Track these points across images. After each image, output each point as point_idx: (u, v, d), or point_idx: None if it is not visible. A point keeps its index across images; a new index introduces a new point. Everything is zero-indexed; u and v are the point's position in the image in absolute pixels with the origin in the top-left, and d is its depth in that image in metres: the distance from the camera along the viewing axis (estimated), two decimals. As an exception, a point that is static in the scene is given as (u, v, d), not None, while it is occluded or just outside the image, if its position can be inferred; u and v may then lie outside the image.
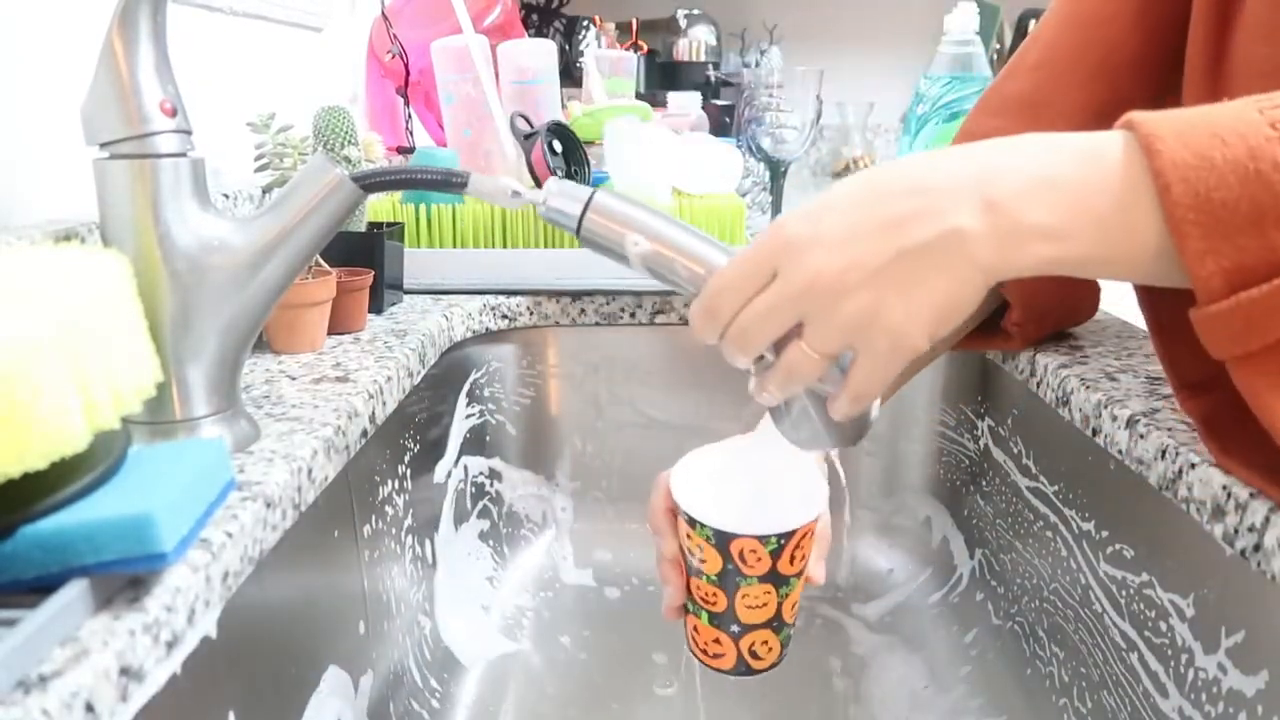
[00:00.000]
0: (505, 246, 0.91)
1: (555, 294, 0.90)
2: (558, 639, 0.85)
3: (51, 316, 0.34)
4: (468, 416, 0.88)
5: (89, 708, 0.32)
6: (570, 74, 1.74)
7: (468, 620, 0.83)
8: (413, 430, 0.76)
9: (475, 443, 0.90)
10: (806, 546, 0.53)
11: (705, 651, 0.55)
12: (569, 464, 0.97)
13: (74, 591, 0.34)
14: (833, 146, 2.11)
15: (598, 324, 0.91)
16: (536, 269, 0.89)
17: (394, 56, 1.22)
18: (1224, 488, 0.48)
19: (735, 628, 0.53)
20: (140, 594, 0.36)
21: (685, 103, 1.39)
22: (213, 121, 0.81)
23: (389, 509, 0.70)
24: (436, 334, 0.79)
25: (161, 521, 0.35)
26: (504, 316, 0.90)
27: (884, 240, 0.39)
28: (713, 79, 2.10)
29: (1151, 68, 0.63)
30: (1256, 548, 0.45)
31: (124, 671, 0.34)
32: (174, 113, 0.47)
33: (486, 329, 0.89)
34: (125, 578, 0.37)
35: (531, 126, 0.93)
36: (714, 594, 0.53)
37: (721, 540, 0.51)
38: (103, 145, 0.46)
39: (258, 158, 0.71)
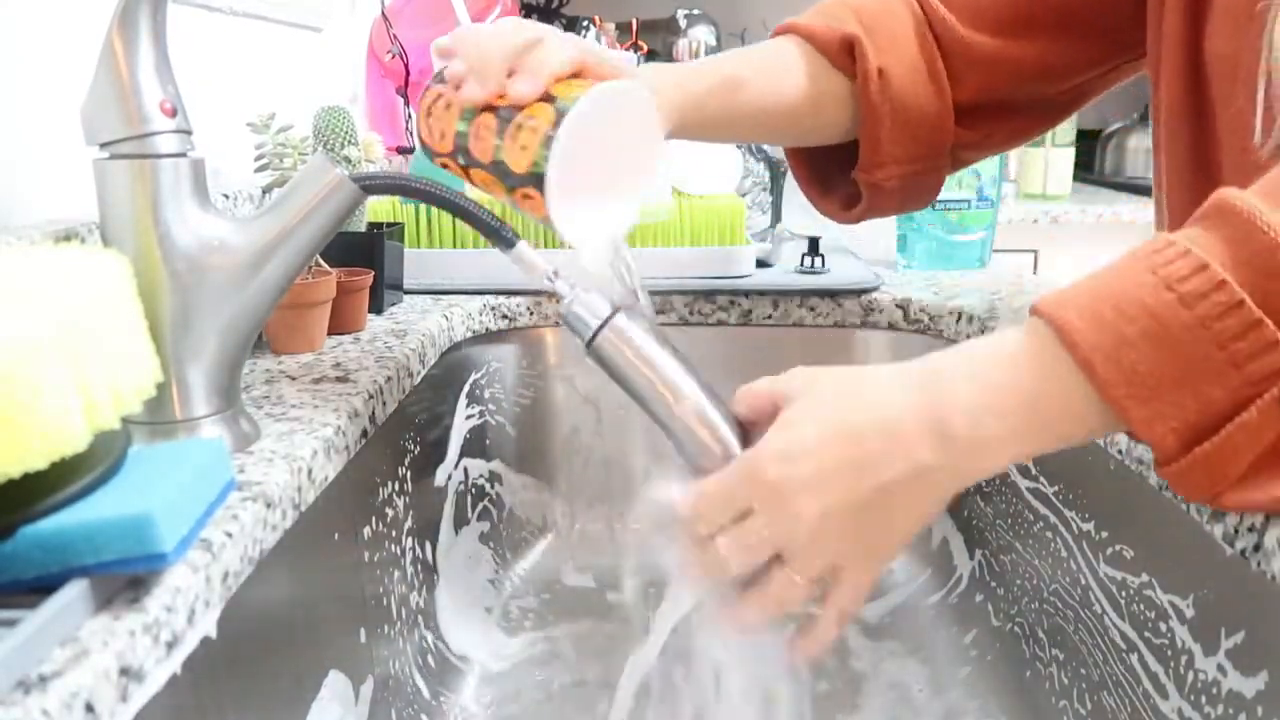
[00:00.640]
0: (505, 247, 0.91)
1: (555, 294, 0.90)
2: (559, 642, 0.85)
3: (51, 316, 0.34)
4: (468, 417, 0.88)
5: (89, 708, 0.32)
6: (570, 74, 1.74)
7: (469, 622, 0.83)
8: (413, 432, 0.76)
9: (475, 444, 0.90)
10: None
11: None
12: (570, 465, 0.97)
13: (74, 591, 0.34)
14: (832, 147, 2.11)
15: (598, 324, 0.91)
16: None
17: (394, 56, 1.22)
18: (1224, 488, 0.48)
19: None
20: (140, 594, 0.36)
21: (685, 103, 1.38)
22: (213, 121, 0.81)
23: (389, 511, 0.70)
24: (436, 334, 0.79)
25: (161, 521, 0.35)
26: (504, 316, 0.90)
27: (858, 480, 0.42)
28: (713, 79, 2.09)
29: (1081, 27, 0.65)
30: (1256, 548, 0.45)
31: (124, 672, 0.34)
32: (174, 113, 0.47)
33: (486, 329, 0.89)
34: (125, 578, 0.37)
35: (531, 127, 0.92)
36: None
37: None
38: (103, 145, 0.46)
39: (258, 158, 0.71)
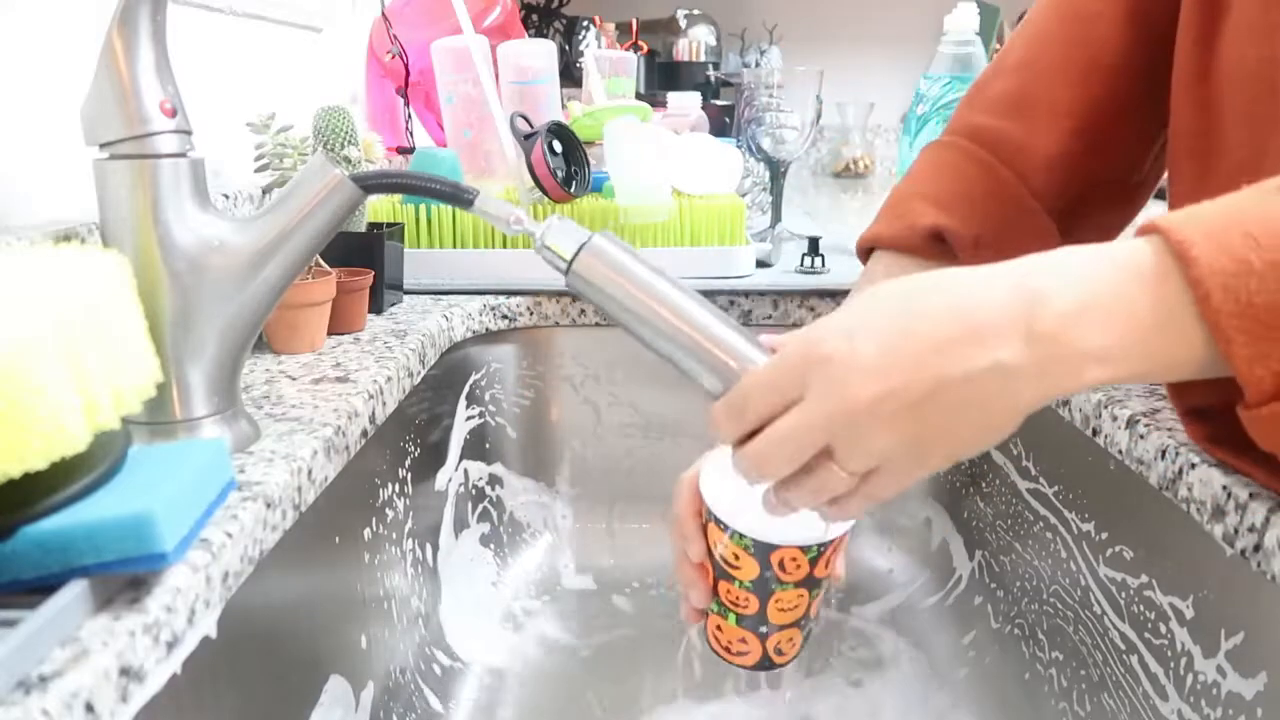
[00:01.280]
0: (505, 247, 0.91)
1: (555, 294, 0.90)
2: (560, 644, 0.85)
3: (51, 316, 0.34)
4: (468, 419, 0.88)
5: (89, 708, 0.32)
6: (570, 74, 1.74)
7: (469, 624, 0.83)
8: (413, 433, 0.76)
9: (476, 445, 0.90)
10: (841, 549, 0.52)
11: (728, 649, 0.54)
12: (570, 467, 0.97)
13: (74, 591, 0.34)
14: (833, 147, 2.11)
15: (598, 324, 0.91)
16: (536, 269, 0.88)
17: (394, 56, 1.22)
18: (1224, 488, 0.48)
19: (764, 628, 0.52)
20: (140, 594, 0.36)
21: (685, 103, 1.38)
22: (213, 121, 0.81)
23: (389, 512, 0.70)
24: (436, 334, 0.79)
25: (161, 521, 0.35)
26: (504, 317, 0.90)
27: (922, 368, 0.37)
28: (713, 79, 2.10)
29: (1139, 67, 0.62)
30: (1257, 548, 0.45)
31: (124, 672, 0.34)
32: (174, 113, 0.47)
33: (486, 329, 0.89)
34: (125, 578, 0.37)
35: (531, 127, 0.92)
36: (746, 599, 0.51)
37: (762, 550, 0.49)
38: (103, 145, 0.46)
39: (258, 158, 0.71)
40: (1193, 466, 0.50)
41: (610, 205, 0.92)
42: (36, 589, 0.34)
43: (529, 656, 0.83)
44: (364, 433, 0.60)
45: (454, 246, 0.92)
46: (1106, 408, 0.60)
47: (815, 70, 1.06)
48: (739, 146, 1.10)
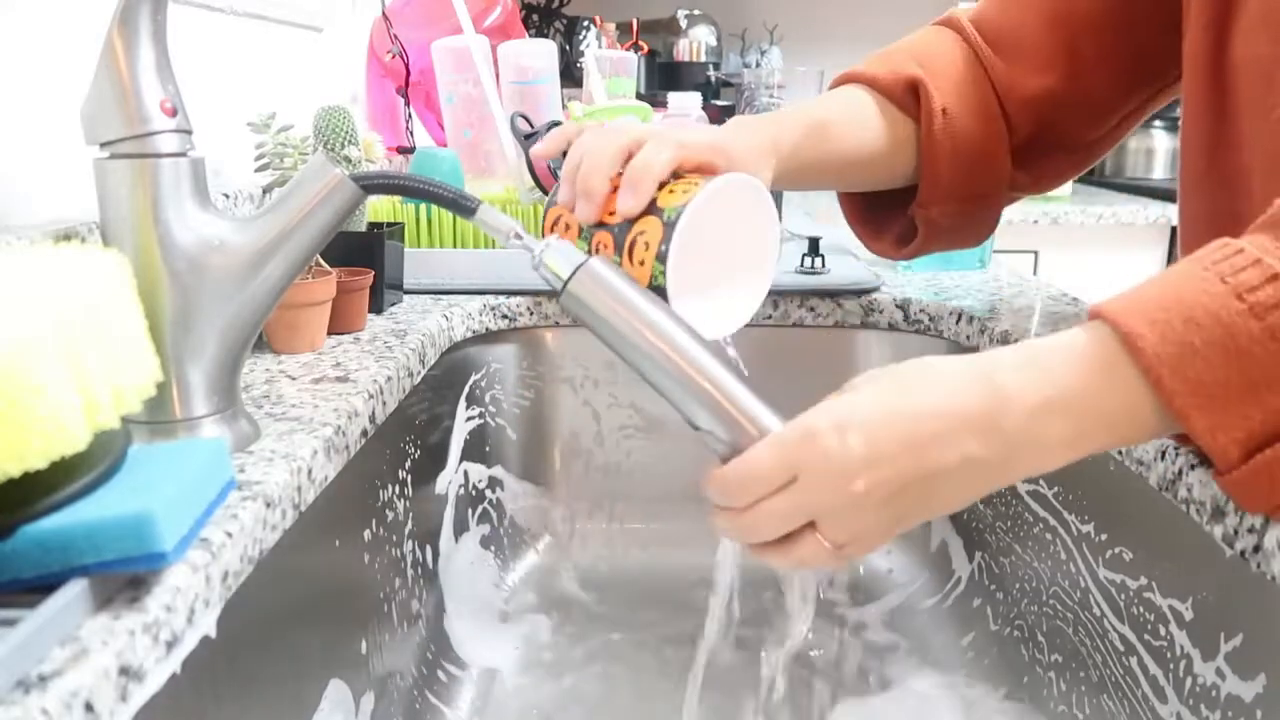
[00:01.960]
0: (505, 247, 0.91)
1: (555, 294, 0.90)
2: (560, 646, 0.85)
3: (51, 316, 0.34)
4: (468, 419, 0.88)
5: (89, 708, 0.32)
6: (570, 74, 1.74)
7: (469, 627, 0.83)
8: (413, 434, 0.76)
9: (475, 447, 0.90)
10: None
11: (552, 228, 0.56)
12: (569, 468, 0.97)
13: (74, 591, 0.34)
14: (833, 147, 2.11)
15: (597, 325, 0.91)
16: (536, 269, 0.88)
17: (394, 56, 1.22)
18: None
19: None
20: (140, 594, 0.36)
21: (685, 103, 1.38)
22: (213, 121, 0.81)
23: (390, 514, 0.70)
24: (436, 334, 0.79)
25: (161, 521, 0.35)
26: (504, 317, 0.90)
27: (906, 461, 0.41)
28: (713, 79, 2.10)
29: (1119, 21, 0.66)
30: (1256, 549, 0.45)
31: (124, 671, 0.34)
32: (174, 112, 0.47)
33: (486, 329, 0.89)
34: (125, 577, 0.37)
35: (532, 127, 0.92)
36: (608, 248, 0.52)
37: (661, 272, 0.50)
38: (103, 145, 0.46)
39: (258, 158, 0.71)
40: (1192, 467, 0.50)
41: (610, 205, 0.92)
42: (36, 588, 0.34)
43: (529, 659, 0.83)
44: (364, 432, 0.60)
45: (454, 246, 0.92)
46: (1106, 409, 0.60)
47: (815, 70, 1.06)
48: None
